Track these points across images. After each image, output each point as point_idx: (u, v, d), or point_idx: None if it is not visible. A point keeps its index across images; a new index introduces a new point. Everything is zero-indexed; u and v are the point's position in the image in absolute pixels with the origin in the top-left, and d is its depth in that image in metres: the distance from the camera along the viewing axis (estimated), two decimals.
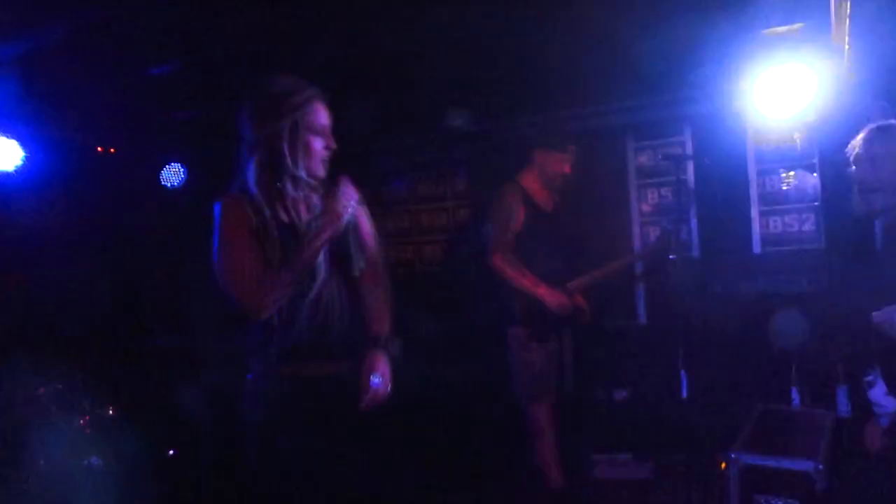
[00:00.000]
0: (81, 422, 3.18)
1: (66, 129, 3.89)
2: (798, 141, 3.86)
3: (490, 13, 2.77)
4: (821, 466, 2.64)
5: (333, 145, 1.98)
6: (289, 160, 1.90)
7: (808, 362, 3.61)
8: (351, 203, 1.93)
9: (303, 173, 1.95)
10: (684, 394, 3.24)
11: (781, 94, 3.07)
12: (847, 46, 2.77)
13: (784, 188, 3.99)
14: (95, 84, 3.45)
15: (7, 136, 3.54)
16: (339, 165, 2.07)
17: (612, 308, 4.52)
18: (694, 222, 4.29)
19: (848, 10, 2.46)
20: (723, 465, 3.07)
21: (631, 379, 4.36)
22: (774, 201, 4.05)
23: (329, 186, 1.99)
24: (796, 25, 2.98)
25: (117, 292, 4.53)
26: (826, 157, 3.79)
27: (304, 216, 1.98)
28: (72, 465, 3.08)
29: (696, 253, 4.29)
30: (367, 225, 2.15)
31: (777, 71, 3.04)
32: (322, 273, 1.94)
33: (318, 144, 1.96)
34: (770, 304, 3.83)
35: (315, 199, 2.03)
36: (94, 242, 4.49)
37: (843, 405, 3.22)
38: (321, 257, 1.92)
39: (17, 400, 3.08)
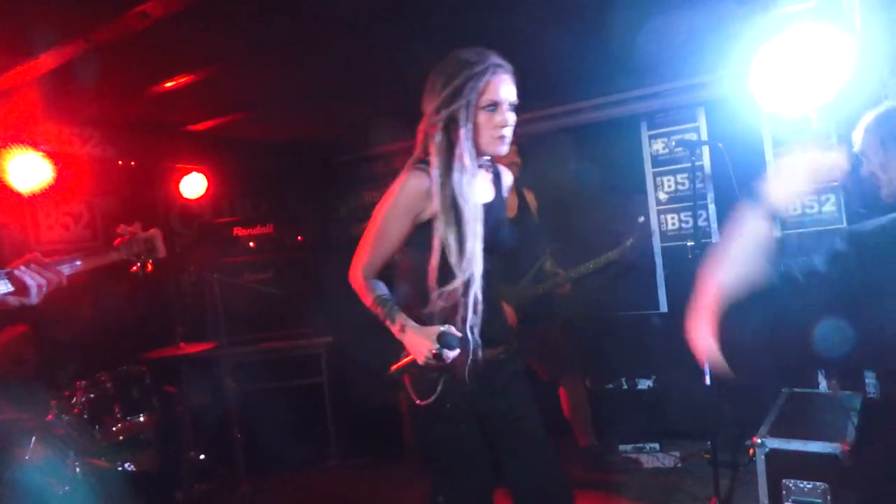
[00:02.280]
0: (114, 428, 3.25)
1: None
2: (814, 120, 3.81)
3: (494, 6, 2.78)
4: (848, 449, 2.62)
5: (506, 122, 1.88)
6: (462, 138, 1.84)
7: None
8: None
9: (475, 151, 1.89)
10: (708, 381, 3.22)
11: (795, 74, 3.03)
12: (859, 23, 2.73)
13: None
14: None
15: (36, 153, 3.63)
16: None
17: (633, 298, 4.52)
18: (712, 208, 4.26)
19: None
20: (751, 451, 3.06)
21: (655, 368, 4.35)
22: None
23: (496, 173, 2.07)
24: (808, 3, 2.95)
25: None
26: (843, 136, 3.74)
27: (476, 198, 1.91)
28: (107, 471, 3.16)
29: (715, 239, 4.26)
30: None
31: (790, 51, 3.00)
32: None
33: (489, 120, 1.87)
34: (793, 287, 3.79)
35: (488, 180, 2.04)
36: None
37: (871, 387, 3.18)
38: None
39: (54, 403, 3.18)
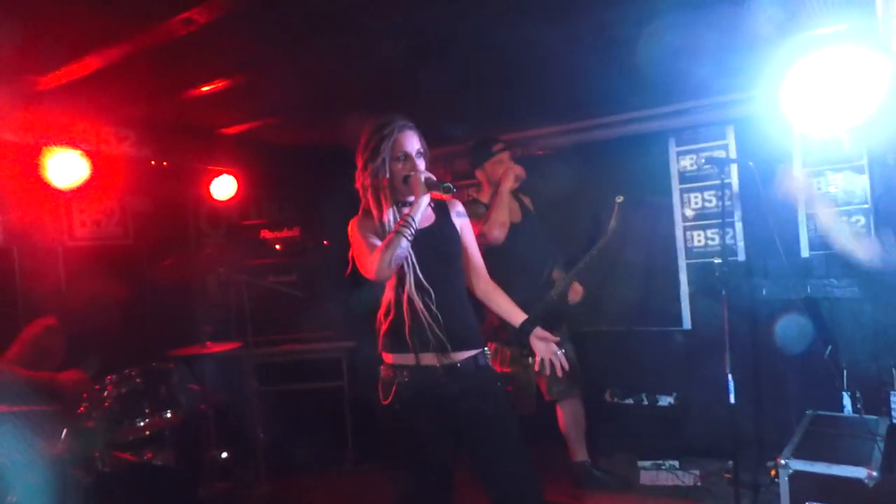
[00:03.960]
0: (142, 423, 3.31)
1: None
2: (845, 142, 3.79)
3: (523, 19, 2.80)
4: (874, 473, 2.59)
5: (414, 169, 2.27)
6: (387, 189, 2.27)
7: (860, 367, 3.53)
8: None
9: (401, 197, 2.31)
10: (732, 399, 3.21)
11: (827, 95, 3.02)
12: (894, 46, 2.72)
13: (832, 190, 3.91)
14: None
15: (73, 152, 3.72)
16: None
17: (656, 314, 4.51)
18: (739, 226, 4.25)
19: (894, 10, 2.43)
20: (773, 472, 3.03)
21: (676, 384, 4.33)
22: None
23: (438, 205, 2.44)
24: (841, 26, 2.94)
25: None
26: (874, 158, 3.72)
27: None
28: (133, 465, 3.22)
29: (742, 257, 4.24)
30: (471, 235, 2.52)
31: (823, 72, 3.00)
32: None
33: (400, 169, 2.27)
34: (819, 309, 3.77)
35: (430, 208, 2.39)
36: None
37: None
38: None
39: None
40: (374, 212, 2.29)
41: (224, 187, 4.80)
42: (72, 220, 4.59)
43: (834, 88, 3.00)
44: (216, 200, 4.84)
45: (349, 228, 2.36)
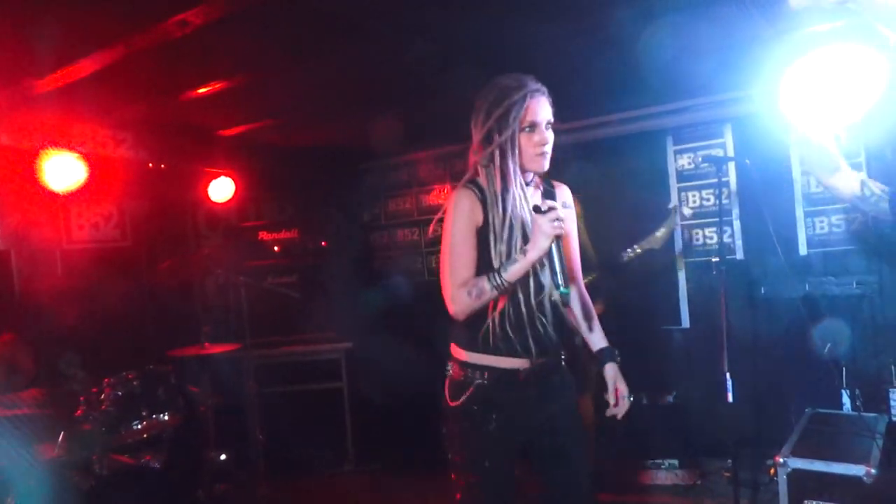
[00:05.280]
0: (139, 426, 3.30)
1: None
2: (843, 139, 3.78)
3: (521, 20, 2.80)
4: (873, 471, 2.59)
5: (545, 140, 2.00)
6: (509, 159, 1.97)
7: (859, 365, 3.53)
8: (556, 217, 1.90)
9: (520, 170, 2.01)
10: (731, 398, 3.20)
11: (824, 92, 3.02)
12: (891, 42, 2.71)
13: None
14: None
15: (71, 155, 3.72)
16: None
17: (655, 312, 4.50)
18: (737, 224, 4.24)
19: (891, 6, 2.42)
20: (772, 471, 3.03)
21: (676, 383, 4.32)
22: (820, 202, 3.99)
23: (547, 189, 2.16)
24: (837, 23, 2.94)
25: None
26: (872, 154, 3.72)
27: (527, 214, 2.01)
28: (131, 468, 3.22)
29: (740, 255, 4.24)
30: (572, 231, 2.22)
31: (820, 69, 2.99)
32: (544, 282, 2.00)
33: (529, 140, 1.99)
34: (818, 307, 3.77)
35: (538, 195, 2.11)
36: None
37: None
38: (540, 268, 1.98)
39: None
40: (487, 189, 2.00)
41: (222, 189, 4.79)
42: (69, 222, 4.59)
43: (831, 86, 3.00)
44: (214, 202, 4.84)
45: (449, 202, 2.04)
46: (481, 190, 2.01)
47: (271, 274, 4.85)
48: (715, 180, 3.67)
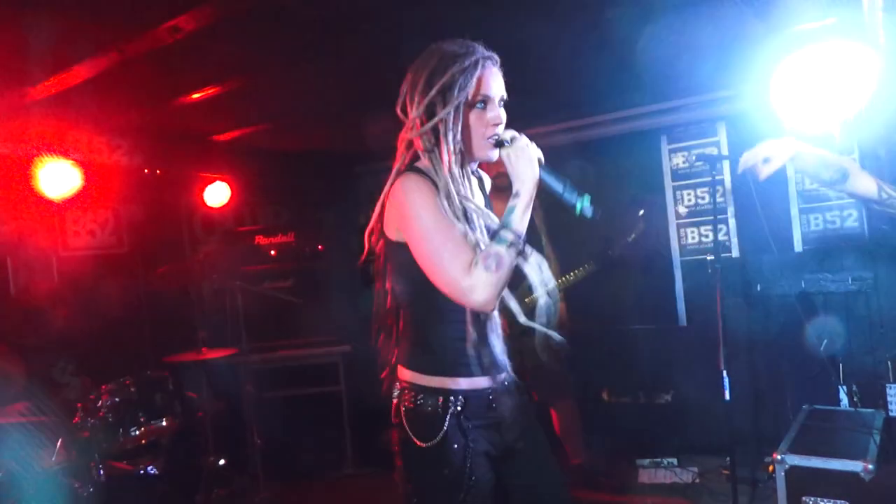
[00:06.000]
0: (137, 432, 3.30)
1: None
2: (836, 137, 3.80)
3: (516, 19, 2.80)
4: (870, 467, 2.59)
5: (499, 119, 1.65)
6: (451, 138, 1.59)
7: (855, 361, 3.54)
8: None
9: (464, 154, 1.65)
10: (728, 396, 3.21)
11: (817, 90, 3.03)
12: (882, 40, 2.73)
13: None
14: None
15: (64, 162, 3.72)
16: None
17: (651, 311, 4.51)
18: (732, 223, 4.25)
19: (880, 3, 2.44)
20: (770, 468, 3.04)
21: (673, 382, 4.33)
22: (815, 198, 4.00)
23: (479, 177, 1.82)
24: (829, 20, 2.95)
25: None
26: (865, 152, 3.73)
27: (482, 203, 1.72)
28: (129, 474, 3.21)
29: (735, 253, 4.25)
30: None
31: (812, 67, 3.00)
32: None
33: (480, 118, 1.64)
34: (813, 303, 3.78)
35: (476, 183, 1.78)
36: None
37: (894, 404, 3.15)
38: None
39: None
40: (445, 169, 1.60)
41: (218, 194, 4.80)
42: (65, 230, 4.59)
43: (823, 83, 3.01)
44: (210, 207, 4.84)
45: (399, 193, 1.62)
46: (430, 178, 1.61)
47: (268, 278, 4.84)
48: (709, 179, 3.67)
